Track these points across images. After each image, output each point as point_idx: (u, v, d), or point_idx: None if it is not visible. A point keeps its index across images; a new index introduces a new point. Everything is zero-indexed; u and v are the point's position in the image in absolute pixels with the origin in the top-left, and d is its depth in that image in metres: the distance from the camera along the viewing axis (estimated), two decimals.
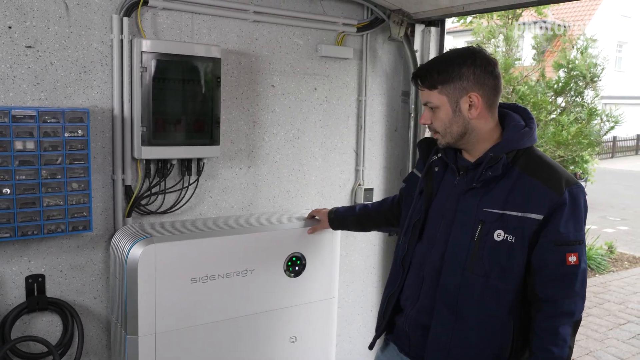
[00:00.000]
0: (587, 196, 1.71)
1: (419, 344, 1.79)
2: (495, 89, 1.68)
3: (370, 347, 2.03)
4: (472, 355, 1.69)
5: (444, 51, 3.14)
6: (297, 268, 2.48)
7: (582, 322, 5.01)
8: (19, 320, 2.23)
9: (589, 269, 7.01)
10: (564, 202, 1.59)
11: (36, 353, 2.28)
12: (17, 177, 2.05)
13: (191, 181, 2.55)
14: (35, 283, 2.26)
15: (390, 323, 1.91)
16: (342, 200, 3.09)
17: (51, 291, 2.30)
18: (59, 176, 2.14)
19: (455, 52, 1.72)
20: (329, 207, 2.47)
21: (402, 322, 1.86)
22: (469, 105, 1.66)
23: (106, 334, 2.46)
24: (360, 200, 3.09)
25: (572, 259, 1.59)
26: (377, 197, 3.15)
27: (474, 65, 1.65)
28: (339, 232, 2.60)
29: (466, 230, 1.68)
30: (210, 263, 2.26)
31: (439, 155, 1.82)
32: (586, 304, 5.28)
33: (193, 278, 2.23)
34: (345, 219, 2.36)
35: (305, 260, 2.49)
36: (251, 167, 2.75)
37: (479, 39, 5.49)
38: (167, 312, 2.18)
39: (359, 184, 3.12)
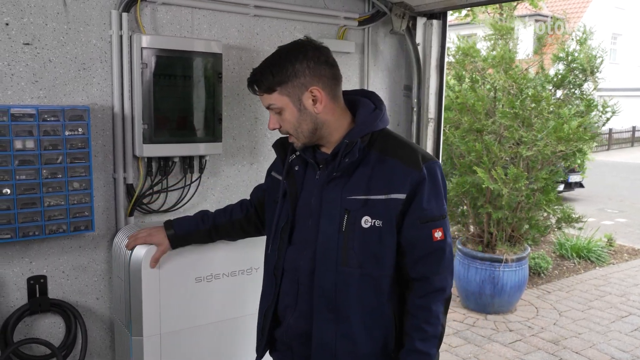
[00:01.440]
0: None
1: (302, 353, 1.74)
2: (334, 77, 1.65)
3: (261, 351, 1.88)
4: (360, 352, 1.66)
5: (446, 44, 3.11)
6: None
7: (584, 315, 4.97)
8: (21, 322, 2.19)
9: (589, 261, 7.03)
10: (424, 177, 1.60)
11: (39, 355, 2.24)
12: (18, 176, 2.01)
13: (193, 179, 2.52)
14: (37, 284, 2.22)
15: (271, 340, 1.84)
16: None
17: (53, 292, 2.26)
18: (60, 175, 2.10)
19: (284, 50, 1.65)
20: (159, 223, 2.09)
21: (282, 334, 1.79)
22: (313, 100, 1.62)
23: (110, 335, 2.43)
24: None
25: (438, 234, 1.61)
26: None
27: (306, 59, 1.60)
28: None
29: (333, 222, 1.64)
30: (215, 262, 2.23)
31: (297, 153, 1.75)
32: (588, 296, 5.25)
33: (197, 277, 2.19)
34: (191, 235, 2.03)
35: None
36: (254, 163, 2.72)
37: (486, 32, 5.42)
38: (172, 312, 2.15)
39: None
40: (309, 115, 1.63)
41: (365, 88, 3.01)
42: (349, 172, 1.64)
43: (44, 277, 2.23)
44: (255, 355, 1.89)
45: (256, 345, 1.88)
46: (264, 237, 2.04)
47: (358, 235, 1.61)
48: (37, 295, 2.22)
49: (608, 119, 5.35)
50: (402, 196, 1.59)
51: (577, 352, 4.49)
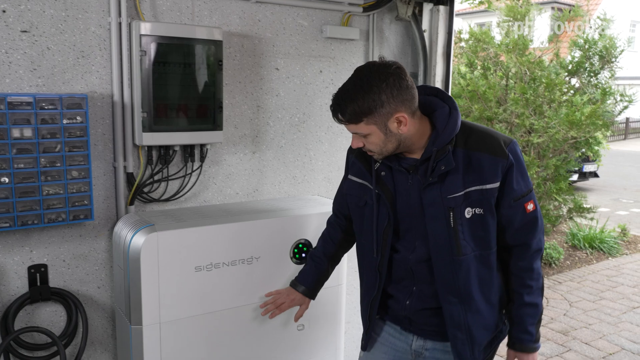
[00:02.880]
0: None
1: (424, 322, 1.91)
2: (413, 97, 1.70)
3: (364, 347, 2.06)
4: (488, 323, 1.86)
5: (453, 32, 3.05)
6: (304, 255, 2.42)
7: (595, 306, 4.91)
8: (22, 310, 2.20)
9: (601, 252, 6.94)
10: (512, 163, 1.74)
11: (40, 343, 2.25)
12: (15, 165, 2.01)
13: (194, 168, 2.50)
14: (37, 273, 2.22)
15: (382, 306, 1.98)
16: None
17: (54, 281, 2.27)
18: (58, 164, 2.09)
19: (365, 78, 1.66)
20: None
21: (399, 311, 1.93)
22: (398, 124, 1.69)
23: (111, 324, 2.43)
24: None
25: (530, 206, 1.79)
26: None
27: (389, 87, 1.64)
28: None
29: (440, 221, 1.76)
30: (215, 251, 2.22)
31: (380, 160, 1.84)
32: (599, 287, 5.17)
33: (197, 266, 2.18)
34: (319, 281, 2.19)
35: (312, 247, 2.43)
36: (256, 152, 2.69)
37: (501, 18, 5.31)
38: (172, 301, 2.15)
39: None
40: (394, 137, 1.71)
41: None
42: (443, 175, 1.75)
43: (45, 266, 2.23)
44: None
45: (364, 328, 2.03)
46: (262, 227, 2.16)
47: (465, 226, 1.76)
48: (38, 284, 2.22)
49: (625, 107, 5.24)
50: (497, 184, 1.74)
51: (586, 343, 4.43)
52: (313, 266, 2.17)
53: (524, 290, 1.82)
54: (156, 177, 2.42)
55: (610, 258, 6.83)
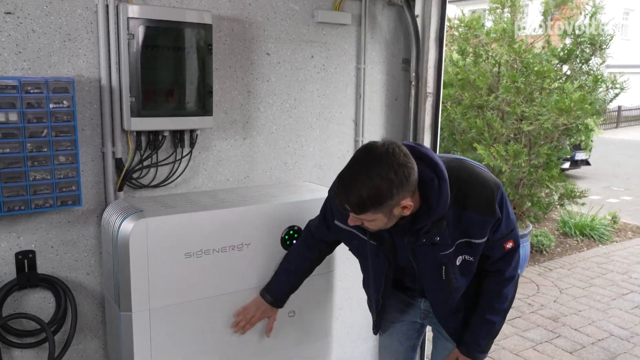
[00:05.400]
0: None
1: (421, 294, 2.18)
2: (415, 180, 1.70)
3: (375, 332, 2.29)
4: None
5: (445, 18, 3.02)
6: (294, 242, 2.41)
7: (585, 293, 4.94)
8: (9, 297, 2.18)
9: (591, 239, 6.99)
10: (499, 218, 1.84)
11: (29, 330, 2.23)
12: (1, 150, 1.97)
13: (184, 153, 2.47)
14: (25, 259, 2.20)
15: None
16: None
17: (42, 267, 2.24)
18: (45, 149, 2.06)
19: (375, 170, 1.64)
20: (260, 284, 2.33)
21: (407, 289, 2.19)
22: (402, 209, 1.72)
23: (101, 310, 2.42)
24: None
25: (509, 245, 1.93)
26: None
27: (399, 179, 1.64)
28: None
29: (433, 274, 1.93)
30: (205, 237, 2.20)
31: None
32: (589, 274, 5.21)
33: (187, 253, 2.16)
34: (290, 292, 2.30)
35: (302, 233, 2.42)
36: (246, 138, 2.67)
37: (491, 6, 5.27)
38: (161, 288, 2.13)
39: None
40: (395, 218, 1.76)
41: (363, 61, 2.94)
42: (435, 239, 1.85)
43: (33, 252, 2.21)
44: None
45: (373, 324, 2.28)
46: (253, 213, 2.24)
47: (457, 273, 1.92)
48: (26, 270, 2.20)
49: (617, 95, 5.25)
50: (485, 239, 1.86)
51: (575, 329, 4.47)
52: (285, 280, 2.27)
53: (488, 309, 2.01)
54: (145, 163, 2.39)
55: (600, 245, 6.88)
